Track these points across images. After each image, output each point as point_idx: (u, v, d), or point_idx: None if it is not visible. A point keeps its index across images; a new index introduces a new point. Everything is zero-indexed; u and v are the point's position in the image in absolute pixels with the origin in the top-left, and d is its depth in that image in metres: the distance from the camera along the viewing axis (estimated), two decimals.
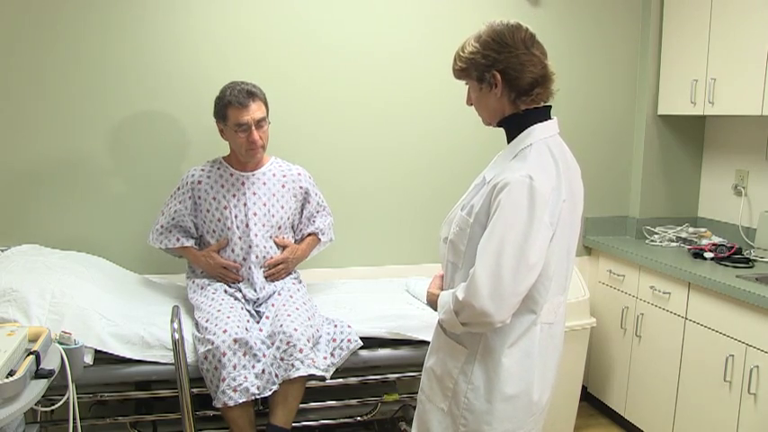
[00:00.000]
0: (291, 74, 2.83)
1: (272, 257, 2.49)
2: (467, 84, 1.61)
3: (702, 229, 3.22)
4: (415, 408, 2.63)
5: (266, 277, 2.48)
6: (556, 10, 3.12)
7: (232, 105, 2.38)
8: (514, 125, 1.57)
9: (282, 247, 2.53)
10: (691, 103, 2.98)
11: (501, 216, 1.44)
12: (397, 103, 2.99)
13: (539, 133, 1.54)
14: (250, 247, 2.45)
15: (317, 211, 2.64)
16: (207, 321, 2.22)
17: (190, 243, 2.51)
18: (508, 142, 1.59)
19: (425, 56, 2.98)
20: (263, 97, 2.45)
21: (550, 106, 1.60)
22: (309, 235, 2.63)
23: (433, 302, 1.68)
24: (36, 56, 2.56)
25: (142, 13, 2.65)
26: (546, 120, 1.57)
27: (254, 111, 2.39)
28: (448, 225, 1.62)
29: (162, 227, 2.52)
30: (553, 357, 1.64)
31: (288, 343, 2.15)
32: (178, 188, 2.52)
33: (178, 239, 2.49)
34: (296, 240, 2.62)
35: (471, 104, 1.63)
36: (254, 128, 2.40)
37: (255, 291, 2.44)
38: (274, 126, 2.55)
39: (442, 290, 1.65)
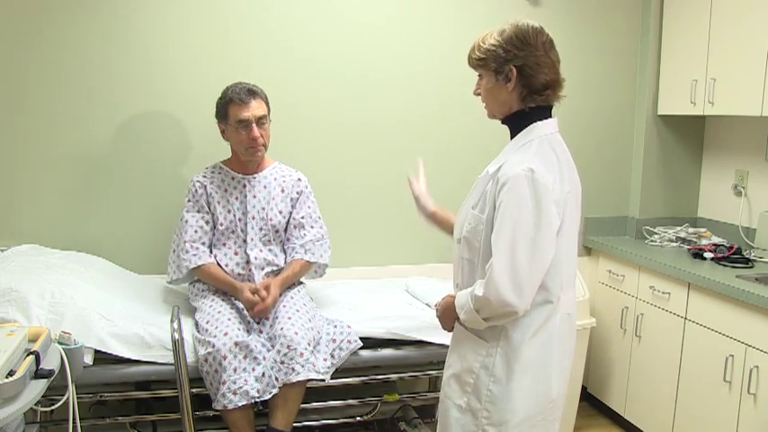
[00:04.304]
0: (293, 75, 2.83)
1: (267, 275, 2.43)
2: (479, 75, 1.66)
3: (702, 230, 3.22)
4: (414, 408, 2.67)
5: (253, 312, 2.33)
6: (556, 10, 3.12)
7: (233, 102, 2.38)
8: (518, 122, 1.63)
9: (276, 266, 2.47)
10: (691, 104, 2.98)
11: (508, 210, 1.49)
12: (399, 103, 2.98)
13: (540, 130, 1.61)
14: (249, 250, 2.44)
15: (309, 224, 2.52)
16: (207, 323, 2.22)
17: (213, 259, 2.43)
18: (511, 138, 1.65)
19: (427, 56, 2.97)
20: (265, 97, 2.45)
21: (552, 106, 1.66)
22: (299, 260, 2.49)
23: (448, 308, 1.67)
24: (38, 57, 2.56)
25: (145, 15, 2.64)
26: (547, 118, 1.63)
27: (255, 108, 2.39)
28: (459, 225, 1.66)
29: (188, 243, 2.39)
30: (570, 346, 1.70)
31: (288, 347, 2.15)
32: (188, 200, 2.46)
33: (210, 253, 2.41)
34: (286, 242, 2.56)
35: (479, 95, 1.68)
36: (254, 125, 2.39)
37: None
38: (276, 127, 2.55)
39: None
